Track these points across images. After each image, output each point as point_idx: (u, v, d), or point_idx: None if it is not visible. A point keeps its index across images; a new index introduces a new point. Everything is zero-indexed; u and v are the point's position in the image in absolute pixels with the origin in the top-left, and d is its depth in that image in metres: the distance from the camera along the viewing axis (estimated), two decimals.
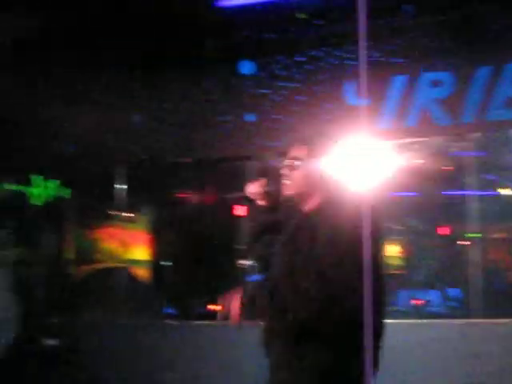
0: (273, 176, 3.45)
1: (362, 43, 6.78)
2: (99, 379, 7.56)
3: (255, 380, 3.73)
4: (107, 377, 7.60)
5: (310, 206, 3.27)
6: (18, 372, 7.34)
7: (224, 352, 7.35)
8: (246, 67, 7.85)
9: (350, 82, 7.48)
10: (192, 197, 10.59)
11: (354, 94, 7.43)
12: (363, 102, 7.32)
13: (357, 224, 2.79)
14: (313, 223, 3.09)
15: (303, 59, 7.78)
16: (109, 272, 9.48)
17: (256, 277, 9.12)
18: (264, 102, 7.91)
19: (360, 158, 7.19)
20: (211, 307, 9.94)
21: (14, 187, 8.93)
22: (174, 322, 8.41)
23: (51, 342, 7.58)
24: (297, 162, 3.27)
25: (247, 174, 7.88)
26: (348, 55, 7.53)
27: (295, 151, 3.33)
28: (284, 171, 3.32)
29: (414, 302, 8.34)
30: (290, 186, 3.33)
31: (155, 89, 8.35)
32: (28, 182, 9.15)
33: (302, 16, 7.66)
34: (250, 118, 7.90)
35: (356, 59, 7.19)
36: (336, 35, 7.54)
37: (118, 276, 8.88)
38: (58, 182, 9.50)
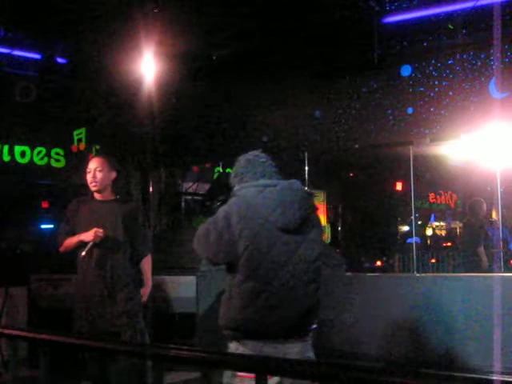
0: None
1: (499, 47, 6.79)
2: None
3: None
4: None
5: None
6: None
7: (387, 299, 7.48)
8: (406, 70, 7.95)
9: (493, 79, 7.46)
10: (360, 177, 10.87)
11: (497, 90, 7.41)
12: (504, 96, 7.39)
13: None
14: None
15: (453, 61, 7.80)
16: None
17: (412, 239, 9.27)
18: (420, 97, 7.98)
19: (499, 144, 7.23)
20: (377, 263, 10.25)
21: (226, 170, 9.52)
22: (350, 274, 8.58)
23: None
24: None
25: (405, 158, 7.95)
26: (491, 57, 7.50)
27: None
28: None
29: None
30: None
31: (331, 89, 8.57)
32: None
33: (451, 26, 7.70)
34: (409, 110, 8.02)
35: (497, 60, 7.23)
36: (480, 41, 7.52)
37: None
38: None
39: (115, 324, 4.67)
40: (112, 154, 5.28)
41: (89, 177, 4.79)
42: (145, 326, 4.86)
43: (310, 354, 3.52)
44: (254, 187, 3.52)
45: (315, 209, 3.66)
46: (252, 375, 2.51)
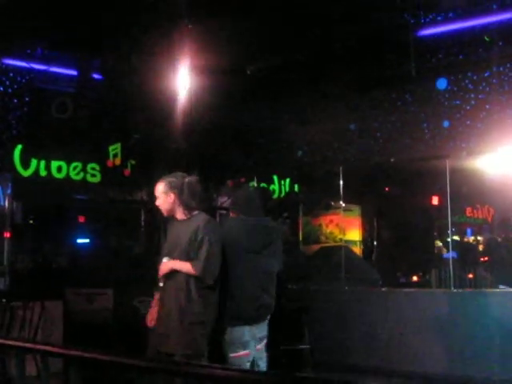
0: None
1: None
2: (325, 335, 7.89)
3: None
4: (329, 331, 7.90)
5: None
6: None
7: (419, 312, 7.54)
8: (442, 83, 7.94)
9: None
10: (396, 191, 10.83)
11: None
12: None
13: None
14: None
15: (489, 74, 7.77)
16: (331, 250, 9.87)
17: (449, 254, 9.20)
18: (457, 111, 7.96)
19: None
20: (411, 277, 10.20)
21: (260, 185, 9.57)
22: (383, 289, 8.59)
23: (291, 304, 7.84)
24: None
25: (441, 172, 7.92)
26: None
27: None
28: None
29: None
30: None
31: (369, 103, 8.60)
32: (271, 181, 9.83)
33: (487, 39, 7.68)
34: (445, 124, 7.98)
35: None
36: None
37: (337, 253, 9.13)
38: (289, 179, 10.10)
39: (173, 344, 4.62)
40: (150, 169, 5.21)
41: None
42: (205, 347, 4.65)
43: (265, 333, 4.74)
44: (233, 220, 4.79)
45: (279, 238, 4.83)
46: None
